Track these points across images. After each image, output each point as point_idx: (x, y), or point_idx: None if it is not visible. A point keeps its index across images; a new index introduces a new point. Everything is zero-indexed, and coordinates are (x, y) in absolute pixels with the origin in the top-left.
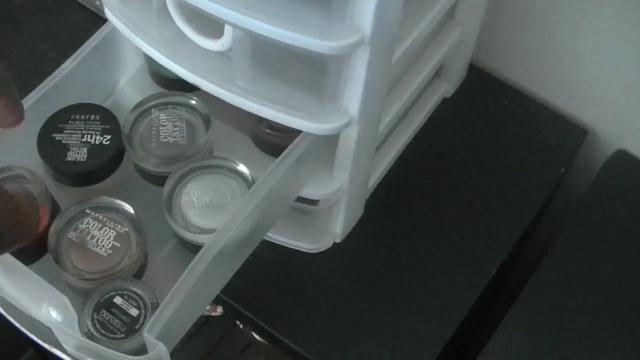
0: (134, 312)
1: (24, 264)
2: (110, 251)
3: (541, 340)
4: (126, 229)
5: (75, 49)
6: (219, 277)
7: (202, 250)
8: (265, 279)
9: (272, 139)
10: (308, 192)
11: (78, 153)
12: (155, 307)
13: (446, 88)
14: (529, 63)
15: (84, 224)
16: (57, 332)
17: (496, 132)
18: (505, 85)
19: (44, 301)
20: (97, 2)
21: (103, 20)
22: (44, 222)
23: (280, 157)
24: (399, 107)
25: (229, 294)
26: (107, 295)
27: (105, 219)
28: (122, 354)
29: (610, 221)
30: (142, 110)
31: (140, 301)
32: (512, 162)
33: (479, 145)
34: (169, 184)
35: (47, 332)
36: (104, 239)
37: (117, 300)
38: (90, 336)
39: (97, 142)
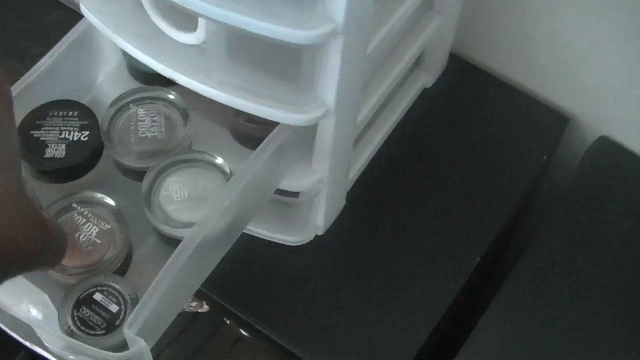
0: (114, 308)
1: None
2: (91, 248)
3: (525, 330)
4: (109, 226)
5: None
6: (199, 271)
7: (181, 245)
8: (249, 273)
9: (251, 132)
10: (288, 185)
11: (56, 150)
12: (135, 303)
13: (427, 78)
14: (510, 52)
15: (69, 218)
16: (38, 330)
17: (478, 121)
18: (486, 74)
19: (24, 299)
20: (76, 0)
21: (81, 17)
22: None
23: (258, 149)
24: (377, 98)
25: (212, 290)
26: (87, 292)
27: (90, 215)
28: (103, 351)
29: (594, 208)
30: (121, 106)
31: (120, 297)
32: (495, 151)
33: (461, 135)
34: (147, 179)
35: (28, 330)
36: (86, 235)
37: (97, 296)
38: (70, 333)
39: (76, 139)
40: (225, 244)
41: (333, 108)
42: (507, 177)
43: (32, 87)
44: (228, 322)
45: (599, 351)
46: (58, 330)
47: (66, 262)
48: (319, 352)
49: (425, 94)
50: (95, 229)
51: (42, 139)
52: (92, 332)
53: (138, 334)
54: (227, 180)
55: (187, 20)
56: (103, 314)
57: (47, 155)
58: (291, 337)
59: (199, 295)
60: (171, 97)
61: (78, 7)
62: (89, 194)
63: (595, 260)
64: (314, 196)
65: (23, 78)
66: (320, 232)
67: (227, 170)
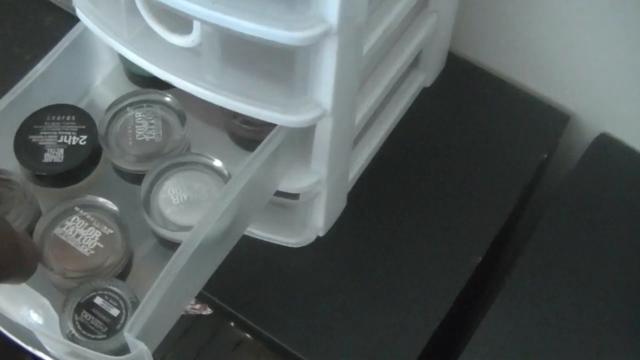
0: (114, 312)
1: None
2: (93, 251)
3: (526, 329)
4: (111, 231)
5: (50, 51)
6: (199, 274)
7: (180, 247)
8: (250, 275)
9: (248, 134)
10: (287, 186)
11: (54, 154)
12: (136, 306)
13: (425, 78)
14: (508, 50)
15: (71, 221)
16: (39, 334)
17: (477, 120)
18: (485, 72)
19: (25, 304)
20: (73, 4)
21: (78, 20)
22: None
23: (255, 151)
24: (375, 98)
25: (214, 292)
26: (87, 296)
27: (92, 219)
28: (104, 355)
29: (594, 205)
30: (118, 109)
31: (120, 301)
32: (495, 150)
33: (461, 134)
34: (145, 183)
35: (29, 335)
36: (88, 238)
37: (98, 300)
38: (71, 337)
39: (74, 143)
40: (224, 246)
41: (330, 109)
42: (507, 175)
43: (29, 92)
44: (231, 324)
45: (598, 350)
46: (59, 335)
47: (68, 265)
48: (320, 353)
49: (424, 93)
50: (97, 233)
51: (40, 143)
52: (93, 336)
53: (138, 337)
54: (225, 183)
55: (181, 22)
56: (104, 317)
57: (46, 160)
58: (293, 338)
59: (201, 298)
60: (168, 99)
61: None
62: (91, 197)
63: (595, 258)
64: (314, 197)
65: (20, 83)
66: (321, 233)
67: (225, 172)
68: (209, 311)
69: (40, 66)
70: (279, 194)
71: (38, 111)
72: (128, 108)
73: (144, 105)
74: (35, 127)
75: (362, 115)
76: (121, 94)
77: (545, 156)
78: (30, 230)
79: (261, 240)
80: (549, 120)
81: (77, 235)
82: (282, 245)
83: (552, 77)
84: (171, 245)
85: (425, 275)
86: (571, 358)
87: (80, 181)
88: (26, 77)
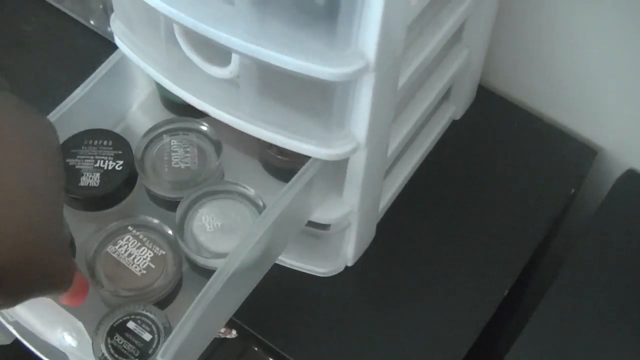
0: (147, 336)
1: None
2: (145, 271)
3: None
4: (163, 252)
5: (86, 74)
6: (231, 301)
7: (214, 275)
8: (277, 301)
9: (282, 164)
10: (319, 217)
11: (91, 178)
12: (168, 331)
13: (455, 110)
14: (537, 84)
15: (124, 240)
16: (72, 356)
17: (506, 153)
18: (514, 106)
19: (59, 326)
20: (109, 29)
21: (113, 45)
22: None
23: (290, 182)
24: (407, 131)
25: (242, 318)
26: (120, 320)
27: (144, 239)
28: None
29: (621, 241)
30: (154, 136)
31: (153, 326)
32: (522, 183)
33: (489, 167)
34: (180, 209)
35: (61, 356)
36: (140, 258)
37: (131, 324)
38: None
39: (110, 168)
40: (256, 274)
41: (364, 142)
42: (534, 209)
43: (68, 116)
44: (255, 348)
45: None
46: (91, 357)
47: (118, 283)
48: None
49: (454, 125)
50: (149, 254)
51: (77, 167)
52: None
53: None
54: (259, 212)
55: (218, 52)
56: (136, 342)
57: (82, 184)
58: None
59: (229, 323)
60: (204, 128)
61: (107, 34)
62: (144, 218)
63: (623, 293)
64: (345, 228)
65: (59, 107)
66: (350, 263)
67: (260, 202)
68: (234, 334)
69: (79, 91)
70: (311, 224)
71: (76, 135)
72: (164, 135)
73: (180, 132)
74: (73, 150)
75: (394, 147)
76: (156, 119)
77: (573, 191)
78: None
79: (290, 268)
80: (577, 154)
81: (130, 255)
82: (311, 274)
83: (581, 112)
84: (203, 271)
85: (451, 308)
86: None
87: (114, 206)
88: (65, 101)
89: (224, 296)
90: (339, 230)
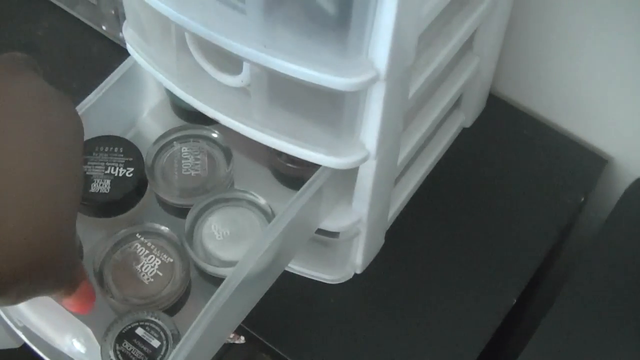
0: (155, 343)
1: None
2: (152, 279)
3: None
4: (171, 260)
5: (98, 80)
6: (240, 309)
7: (223, 283)
8: (286, 308)
9: (292, 172)
10: (328, 225)
11: (101, 185)
12: (176, 338)
13: (465, 118)
14: (547, 92)
15: (132, 247)
16: None
17: (515, 161)
18: (524, 114)
19: (68, 332)
20: (120, 35)
21: (124, 51)
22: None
23: (300, 191)
24: (417, 140)
25: (250, 324)
26: (129, 327)
27: (152, 246)
28: None
29: (631, 249)
30: (164, 143)
31: (161, 333)
32: (532, 191)
33: (498, 175)
34: (190, 217)
35: None
36: (148, 266)
37: (139, 331)
38: None
39: (120, 174)
40: (265, 282)
41: (374, 151)
42: (544, 217)
43: None
44: (263, 355)
45: None
46: None
47: (126, 291)
48: None
49: (463, 133)
50: (157, 261)
51: (87, 173)
52: None
53: None
54: (268, 220)
55: (230, 60)
56: (144, 348)
57: (92, 190)
58: None
59: (237, 329)
60: (214, 135)
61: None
62: (152, 225)
63: (631, 300)
64: (354, 236)
65: None
66: (359, 271)
67: (269, 210)
68: (242, 340)
69: (92, 97)
70: (319, 231)
71: (87, 141)
72: (175, 142)
73: (191, 140)
74: (84, 157)
75: (404, 156)
76: (167, 126)
77: (582, 199)
78: None
79: (298, 275)
80: (587, 163)
81: (138, 262)
82: (319, 281)
83: (591, 121)
84: (211, 279)
85: (459, 315)
86: None
87: (124, 213)
88: (77, 107)
89: (232, 304)
90: (348, 238)
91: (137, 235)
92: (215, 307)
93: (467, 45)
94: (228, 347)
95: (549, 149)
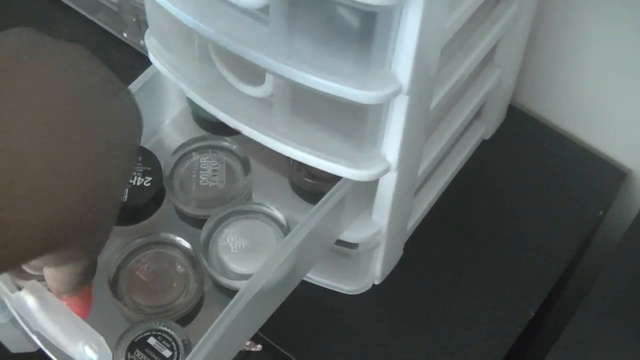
0: (166, 352)
1: None
2: (166, 289)
3: None
4: (184, 270)
5: None
6: (253, 320)
7: (237, 295)
8: (304, 318)
9: (311, 187)
10: (347, 236)
11: None
12: (188, 348)
13: (485, 130)
14: (568, 104)
15: (147, 257)
16: None
17: (535, 173)
18: (544, 126)
19: (80, 339)
20: (142, 42)
21: (145, 58)
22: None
23: (319, 202)
24: (437, 151)
25: (267, 332)
26: (141, 336)
27: (167, 256)
28: None
29: None
30: (183, 153)
31: (173, 342)
32: (551, 204)
33: (518, 187)
34: (206, 228)
35: None
36: (162, 276)
37: (151, 340)
38: None
39: (138, 184)
40: (281, 294)
41: (395, 164)
42: (563, 229)
43: None
44: None
45: None
46: None
47: (139, 300)
48: None
49: (483, 144)
50: (172, 271)
51: None
52: None
53: None
54: (284, 233)
55: (252, 70)
56: (156, 357)
57: None
58: None
59: (254, 338)
60: (233, 147)
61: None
62: (166, 235)
63: None
64: (373, 247)
65: None
66: (377, 282)
67: (285, 223)
68: (259, 348)
69: None
70: (339, 242)
71: None
72: (194, 153)
73: (210, 150)
74: None
75: (425, 167)
76: (188, 135)
77: (601, 212)
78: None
79: (316, 285)
80: (606, 176)
81: (152, 272)
82: (337, 291)
83: (611, 133)
84: (226, 291)
85: (476, 327)
86: None
87: (141, 221)
88: None
89: (245, 317)
90: (368, 250)
91: (152, 245)
92: (227, 319)
93: (489, 57)
94: (245, 355)
95: (568, 161)
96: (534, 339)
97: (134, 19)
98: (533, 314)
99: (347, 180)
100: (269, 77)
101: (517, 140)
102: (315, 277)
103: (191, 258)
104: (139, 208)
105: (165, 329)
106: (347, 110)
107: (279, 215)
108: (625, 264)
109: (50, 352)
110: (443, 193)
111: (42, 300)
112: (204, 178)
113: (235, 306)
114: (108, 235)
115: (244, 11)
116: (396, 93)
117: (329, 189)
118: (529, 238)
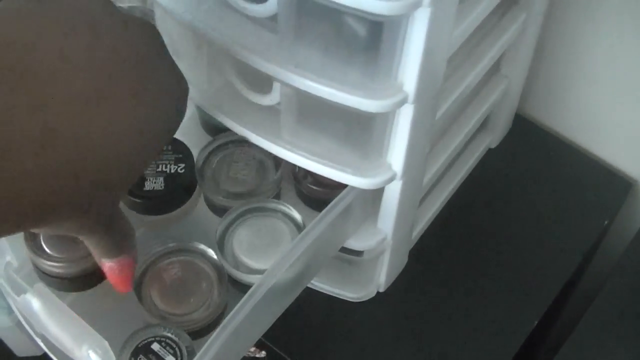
0: (170, 358)
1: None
2: (187, 299)
3: None
4: (210, 284)
5: None
6: (261, 320)
7: (250, 290)
8: (309, 325)
9: (316, 195)
10: (353, 243)
11: (155, 182)
12: (192, 354)
13: (491, 139)
14: (574, 114)
15: (178, 263)
16: None
17: (541, 182)
18: (550, 135)
19: (85, 343)
20: None
21: None
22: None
23: (329, 206)
24: (443, 160)
25: (272, 339)
26: (145, 341)
27: (197, 267)
28: None
29: None
30: (220, 143)
31: (176, 348)
32: (556, 213)
33: (523, 196)
34: (223, 223)
35: None
36: (188, 282)
37: (155, 346)
38: None
39: (172, 171)
40: (288, 297)
41: (400, 172)
42: (568, 239)
43: None
44: None
45: None
46: None
47: (161, 304)
48: None
49: (489, 153)
50: (197, 283)
51: None
52: None
53: None
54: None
55: (260, 78)
56: None
57: (147, 188)
58: None
59: (258, 344)
60: None
61: None
62: (205, 248)
63: None
64: (378, 255)
65: None
66: (382, 289)
67: (301, 223)
68: (263, 354)
69: None
70: (344, 250)
71: None
72: (230, 144)
73: (245, 145)
74: None
75: (430, 176)
76: (196, 142)
77: (606, 222)
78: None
79: (321, 292)
80: (612, 185)
81: (178, 278)
82: (341, 298)
83: (617, 143)
84: (238, 286)
85: (480, 336)
86: None
87: (175, 210)
88: None
89: (256, 313)
90: (372, 257)
91: (186, 252)
92: (232, 325)
93: (495, 67)
94: None
95: (574, 170)
96: (538, 348)
97: None
98: (536, 323)
99: (353, 188)
100: (276, 86)
101: (523, 149)
102: (320, 284)
103: (218, 268)
104: (178, 195)
105: (169, 334)
106: (354, 118)
107: (297, 216)
108: (631, 274)
109: (55, 355)
110: (448, 201)
111: (47, 304)
112: (234, 170)
113: (241, 310)
114: (119, 200)
115: (253, 19)
116: (402, 102)
117: (335, 196)
118: (534, 247)
